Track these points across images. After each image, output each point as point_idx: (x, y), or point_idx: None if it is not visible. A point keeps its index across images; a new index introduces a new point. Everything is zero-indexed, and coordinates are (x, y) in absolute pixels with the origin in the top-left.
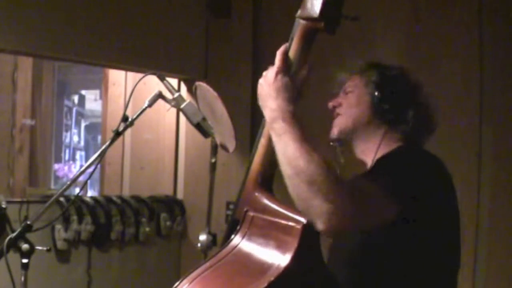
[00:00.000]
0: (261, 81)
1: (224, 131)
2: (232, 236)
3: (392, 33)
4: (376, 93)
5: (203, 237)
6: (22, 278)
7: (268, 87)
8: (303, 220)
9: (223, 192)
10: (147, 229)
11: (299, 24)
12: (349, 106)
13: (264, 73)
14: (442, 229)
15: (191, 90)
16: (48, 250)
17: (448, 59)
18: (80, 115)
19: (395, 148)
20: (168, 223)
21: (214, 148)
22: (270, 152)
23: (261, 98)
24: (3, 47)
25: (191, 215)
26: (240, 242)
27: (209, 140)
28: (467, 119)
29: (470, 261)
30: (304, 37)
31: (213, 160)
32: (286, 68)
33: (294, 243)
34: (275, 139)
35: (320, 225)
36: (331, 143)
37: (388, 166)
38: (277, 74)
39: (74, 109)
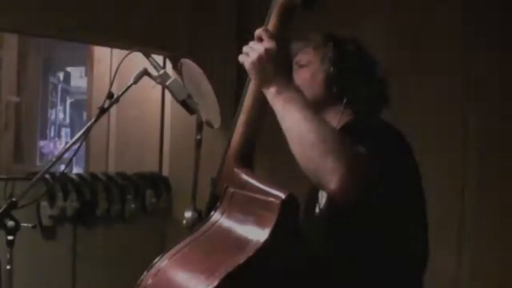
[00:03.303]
0: (260, 56)
1: (210, 108)
2: (212, 212)
3: (378, 12)
4: (331, 71)
5: (188, 214)
6: (8, 255)
7: (274, 63)
8: (282, 195)
9: (208, 168)
10: (133, 206)
11: (277, 1)
12: (303, 82)
13: (264, 50)
14: (409, 189)
15: (177, 67)
16: (34, 227)
17: (432, 36)
18: (66, 92)
19: (353, 118)
20: (153, 200)
21: (200, 125)
22: (250, 128)
23: (265, 73)
24: None
25: (176, 192)
26: (219, 218)
27: (194, 117)
28: (453, 96)
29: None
30: (282, 14)
31: (198, 137)
32: (277, 43)
33: (273, 218)
34: (281, 108)
35: (332, 185)
36: None
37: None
38: (269, 48)
39: (60, 86)
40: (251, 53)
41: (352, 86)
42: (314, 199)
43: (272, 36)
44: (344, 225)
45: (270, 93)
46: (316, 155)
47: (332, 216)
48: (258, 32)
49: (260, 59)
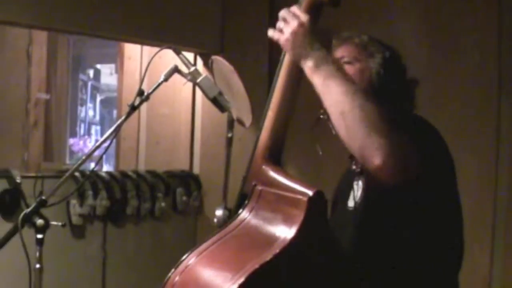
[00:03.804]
0: (294, 30)
1: (241, 105)
2: (240, 210)
3: (410, 8)
4: (381, 71)
5: (219, 212)
6: (37, 254)
7: (310, 36)
8: (309, 192)
9: (239, 167)
10: (163, 204)
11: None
12: None
13: (297, 23)
14: (447, 186)
15: (207, 64)
16: (63, 226)
17: (466, 33)
18: (96, 89)
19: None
20: (184, 198)
21: (231, 123)
22: (277, 125)
23: (301, 47)
24: (18, 21)
25: (207, 190)
26: (247, 216)
27: (225, 114)
28: (485, 92)
29: (487, 236)
30: (309, 10)
31: (229, 135)
32: (311, 19)
33: (300, 215)
34: (321, 84)
35: (377, 160)
36: (321, 116)
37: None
38: (303, 22)
39: (90, 83)
40: (285, 28)
41: (395, 86)
42: (347, 193)
43: (305, 10)
44: (381, 219)
45: (308, 68)
46: (361, 131)
47: (369, 210)
48: (291, 8)
49: (294, 33)
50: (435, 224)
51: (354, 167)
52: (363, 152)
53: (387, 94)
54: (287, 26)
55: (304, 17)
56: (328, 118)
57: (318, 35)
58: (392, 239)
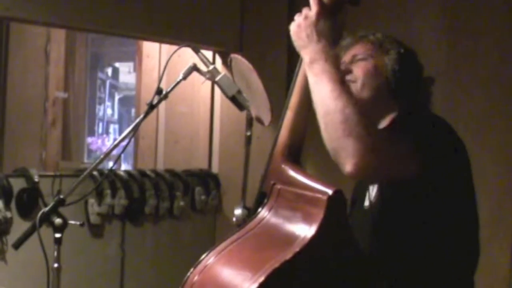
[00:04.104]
0: (299, 22)
1: (260, 104)
2: (259, 209)
3: (428, 6)
4: (396, 67)
5: (238, 211)
6: (55, 253)
7: (311, 30)
8: (329, 191)
9: (258, 165)
10: (182, 203)
11: None
12: (365, 75)
13: (303, 14)
14: (458, 186)
15: (226, 63)
16: (81, 225)
17: (485, 32)
18: (114, 87)
19: (401, 114)
20: (202, 197)
21: (249, 121)
22: (297, 124)
23: (301, 39)
24: (35, 19)
25: (226, 189)
26: (267, 215)
27: (244, 113)
28: (505, 92)
29: (507, 236)
30: (320, 4)
31: (248, 134)
32: (326, 12)
33: (320, 214)
34: (312, 79)
35: (349, 166)
36: None
37: (402, 128)
38: (318, 17)
39: (108, 82)
40: (296, 19)
41: (408, 85)
42: (363, 193)
43: (316, 4)
44: (395, 220)
45: (305, 61)
46: (337, 135)
47: (383, 210)
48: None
49: (298, 25)
50: (449, 224)
51: None
52: (337, 155)
53: (401, 90)
54: (297, 17)
55: (311, 10)
56: None
57: (324, 30)
58: (406, 239)
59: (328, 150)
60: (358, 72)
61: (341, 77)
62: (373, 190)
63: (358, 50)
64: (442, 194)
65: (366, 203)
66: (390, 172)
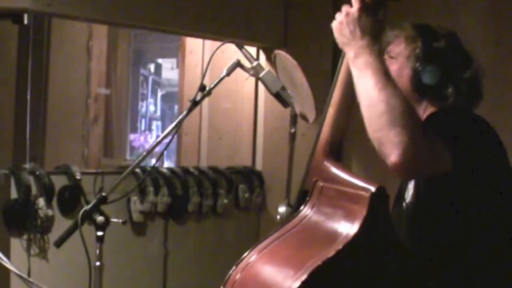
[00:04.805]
0: (341, 19)
1: (304, 100)
2: (301, 206)
3: (475, 3)
4: (417, 68)
5: (282, 209)
6: (97, 251)
7: (354, 26)
8: (371, 188)
9: (302, 162)
10: (225, 201)
11: None
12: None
13: (344, 12)
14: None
15: (270, 59)
16: (124, 223)
17: None
18: (157, 84)
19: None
20: (246, 194)
21: (294, 118)
22: (338, 121)
23: (344, 36)
24: (78, 15)
25: (270, 187)
26: (309, 212)
27: (288, 109)
28: None
29: None
30: (371, 4)
31: (292, 130)
32: (368, 8)
33: (362, 211)
34: (356, 73)
35: (394, 157)
36: None
37: (436, 124)
38: (360, 13)
39: (150, 78)
40: (337, 17)
41: (437, 84)
42: (402, 193)
43: (358, 1)
44: (431, 220)
45: (349, 56)
46: (382, 126)
47: (418, 210)
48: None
49: (340, 22)
50: (487, 222)
51: None
52: (381, 146)
53: (431, 92)
54: (339, 15)
55: (353, 7)
56: None
57: (367, 26)
58: (440, 237)
59: (372, 142)
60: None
61: (386, 70)
62: (409, 190)
63: (392, 46)
64: (479, 192)
65: (403, 203)
66: (432, 166)
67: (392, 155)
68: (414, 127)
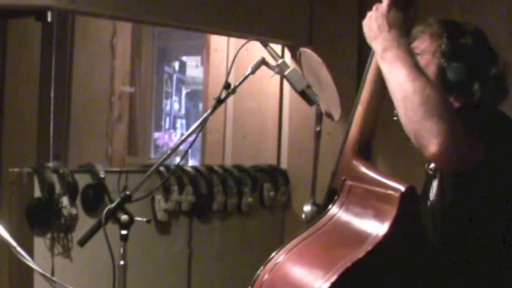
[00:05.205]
0: (370, 14)
1: (329, 98)
2: (330, 206)
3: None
4: (442, 64)
5: (307, 208)
6: (121, 250)
7: (382, 20)
8: (401, 188)
9: (328, 161)
10: (250, 199)
11: None
12: None
13: (374, 7)
14: None
15: (295, 57)
16: (148, 221)
17: None
18: (181, 82)
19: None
20: (271, 193)
21: (319, 116)
22: (367, 119)
23: (372, 31)
24: (101, 12)
25: (295, 185)
26: (337, 212)
27: (313, 108)
28: None
29: None
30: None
31: (318, 129)
32: (398, 5)
33: (392, 211)
34: (386, 67)
35: (433, 147)
36: (394, 118)
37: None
38: (389, 8)
39: (175, 76)
40: (368, 13)
41: (463, 81)
42: (426, 191)
43: None
44: (454, 218)
45: (377, 51)
46: (418, 117)
47: (443, 210)
48: None
49: (370, 17)
50: (507, 220)
51: (429, 168)
52: (419, 137)
53: (456, 88)
54: (375, 10)
55: (383, 2)
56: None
57: (396, 21)
58: (466, 236)
59: (408, 135)
60: None
61: (415, 62)
62: (433, 189)
63: (417, 43)
64: (507, 188)
65: (428, 202)
66: (470, 155)
67: (432, 145)
68: (451, 116)
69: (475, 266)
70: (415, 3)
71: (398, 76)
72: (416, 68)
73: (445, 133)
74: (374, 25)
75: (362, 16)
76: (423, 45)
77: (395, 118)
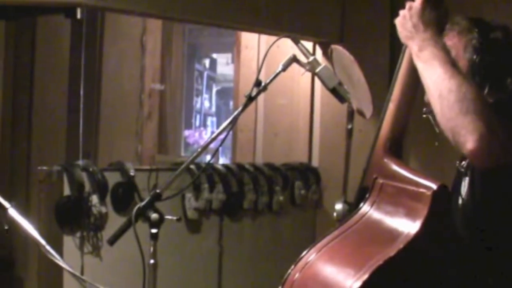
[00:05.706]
0: (403, 13)
1: (361, 96)
2: (361, 204)
3: None
4: (474, 59)
5: (339, 206)
6: (151, 249)
7: (417, 19)
8: (433, 186)
9: (359, 159)
10: (281, 197)
11: None
12: None
13: (407, 6)
14: None
15: (327, 54)
16: (178, 220)
17: None
18: (211, 79)
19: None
20: (302, 191)
21: (351, 114)
22: (399, 117)
23: (407, 30)
24: (132, 9)
25: (326, 184)
26: (369, 210)
27: (345, 105)
28: None
29: None
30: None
31: (349, 126)
32: (431, 3)
33: (424, 210)
34: (422, 66)
35: (470, 144)
36: (424, 115)
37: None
38: (424, 7)
39: (205, 73)
40: (401, 12)
41: (495, 76)
42: (458, 189)
43: None
44: (487, 216)
45: (413, 50)
46: (455, 114)
47: (474, 208)
48: None
49: (403, 16)
50: None
51: (460, 166)
52: (455, 134)
53: (489, 84)
54: (402, 11)
55: (416, 1)
56: (430, 113)
57: (430, 19)
58: (498, 234)
59: (445, 132)
60: None
61: (452, 60)
62: (464, 187)
63: (445, 40)
64: None
65: (459, 200)
66: (507, 153)
67: (469, 142)
68: (487, 113)
69: (508, 262)
70: (444, 1)
71: (435, 74)
72: (453, 66)
73: (481, 130)
74: (409, 24)
75: (394, 13)
76: (450, 42)
77: (424, 116)
